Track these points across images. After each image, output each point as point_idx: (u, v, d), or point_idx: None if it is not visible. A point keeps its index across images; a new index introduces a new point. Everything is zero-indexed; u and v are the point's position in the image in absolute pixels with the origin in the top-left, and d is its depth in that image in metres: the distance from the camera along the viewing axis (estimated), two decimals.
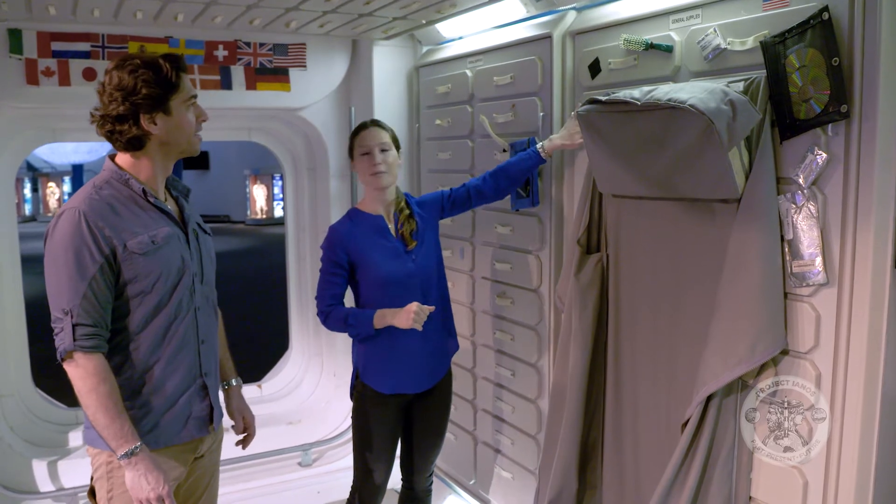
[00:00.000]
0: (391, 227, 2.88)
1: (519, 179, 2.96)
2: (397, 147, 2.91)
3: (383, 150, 2.82)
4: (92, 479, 2.22)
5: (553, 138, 2.85)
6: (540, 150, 2.86)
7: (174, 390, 2.19)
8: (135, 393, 2.14)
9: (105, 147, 2.19)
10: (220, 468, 2.52)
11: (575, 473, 2.74)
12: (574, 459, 2.73)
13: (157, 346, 2.15)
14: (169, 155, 2.20)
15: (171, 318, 2.17)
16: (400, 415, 2.98)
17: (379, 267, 2.82)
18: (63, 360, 2.03)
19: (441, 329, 2.97)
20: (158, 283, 2.13)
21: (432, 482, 3.20)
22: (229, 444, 2.54)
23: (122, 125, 2.08)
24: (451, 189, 3.03)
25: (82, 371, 2.02)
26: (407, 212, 2.90)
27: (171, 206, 2.26)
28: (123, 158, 2.18)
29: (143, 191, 2.15)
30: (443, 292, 2.99)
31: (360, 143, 2.85)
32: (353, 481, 3.05)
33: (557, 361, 2.85)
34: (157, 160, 2.18)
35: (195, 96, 2.19)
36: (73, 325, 2.00)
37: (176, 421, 2.20)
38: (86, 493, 2.26)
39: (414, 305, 2.68)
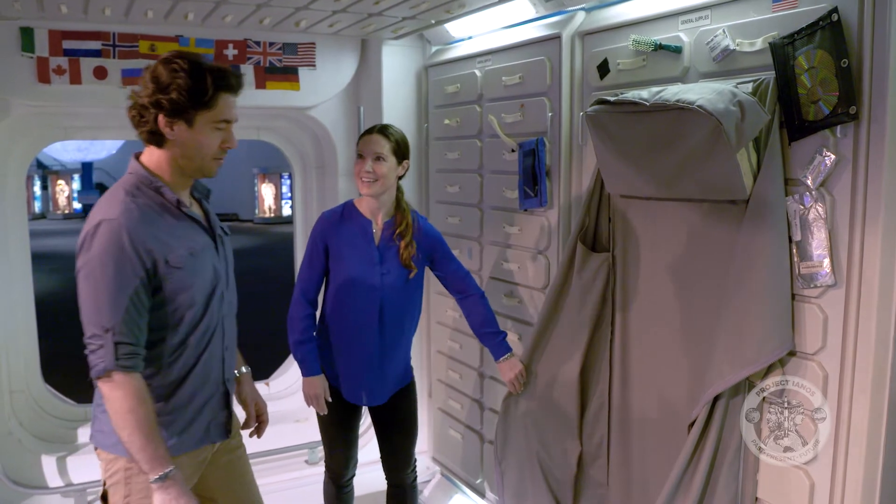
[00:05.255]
0: (377, 234, 2.92)
1: (473, 328, 3.12)
2: (403, 156, 2.93)
3: (377, 159, 2.85)
4: (104, 483, 2.18)
5: (503, 364, 3.00)
6: (505, 358, 3.00)
7: (201, 399, 2.18)
8: (165, 402, 2.10)
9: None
10: None
11: (574, 463, 2.79)
12: (574, 452, 2.75)
13: (190, 358, 2.13)
14: (184, 168, 2.10)
15: (205, 331, 2.14)
16: (353, 408, 3.07)
17: (348, 266, 2.89)
18: (99, 378, 1.95)
19: (397, 357, 3.02)
20: (196, 297, 2.09)
21: (416, 476, 3.26)
22: (244, 441, 2.54)
23: (146, 114, 2.02)
24: (457, 263, 3.10)
25: (122, 392, 1.94)
26: (408, 238, 2.92)
27: (196, 210, 2.20)
28: (148, 156, 2.11)
29: (178, 202, 2.10)
30: (407, 325, 3.02)
31: (359, 146, 2.90)
32: (324, 459, 3.20)
33: (543, 355, 2.88)
34: (175, 166, 2.09)
35: (229, 121, 2.10)
36: (115, 344, 1.93)
37: (199, 427, 2.19)
38: (98, 496, 2.23)
39: (321, 396, 2.90)
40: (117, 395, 1.95)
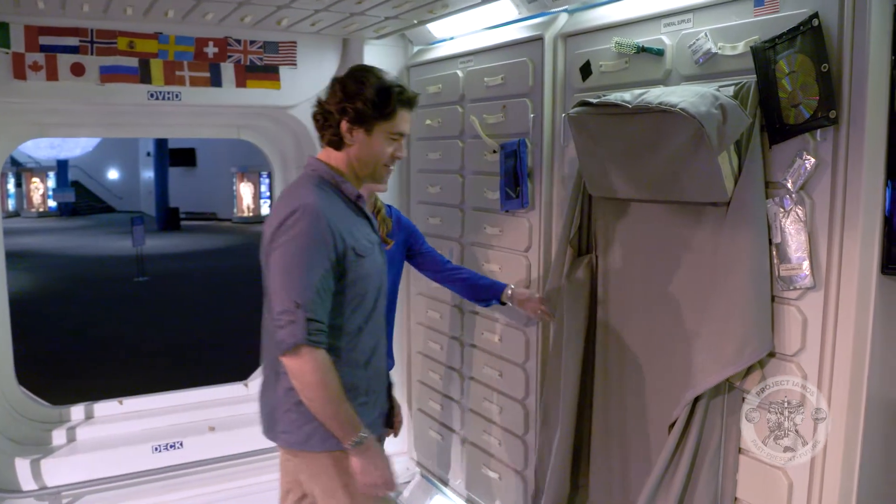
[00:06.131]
0: None
1: (465, 296, 3.21)
2: None
3: None
4: (303, 487, 2.31)
5: (518, 292, 2.99)
6: (505, 297, 3.02)
7: (375, 388, 2.31)
8: (351, 390, 2.18)
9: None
10: (215, 466, 2.53)
11: (568, 475, 2.75)
12: (568, 461, 2.74)
13: (366, 346, 2.25)
14: (358, 172, 2.27)
15: (376, 322, 2.27)
16: None
17: None
18: (286, 353, 2.05)
19: (390, 337, 3.08)
20: (370, 288, 2.23)
21: None
22: (223, 442, 2.53)
23: (331, 119, 2.21)
24: (429, 246, 3.22)
25: (312, 365, 2.05)
26: (384, 212, 3.02)
27: None
28: (326, 156, 2.27)
29: (358, 195, 2.26)
30: (392, 307, 3.11)
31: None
32: None
33: (551, 362, 2.85)
34: (350, 169, 2.26)
35: (403, 134, 2.29)
36: (307, 319, 2.03)
37: (372, 415, 2.32)
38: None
39: None
40: (308, 368, 2.06)
